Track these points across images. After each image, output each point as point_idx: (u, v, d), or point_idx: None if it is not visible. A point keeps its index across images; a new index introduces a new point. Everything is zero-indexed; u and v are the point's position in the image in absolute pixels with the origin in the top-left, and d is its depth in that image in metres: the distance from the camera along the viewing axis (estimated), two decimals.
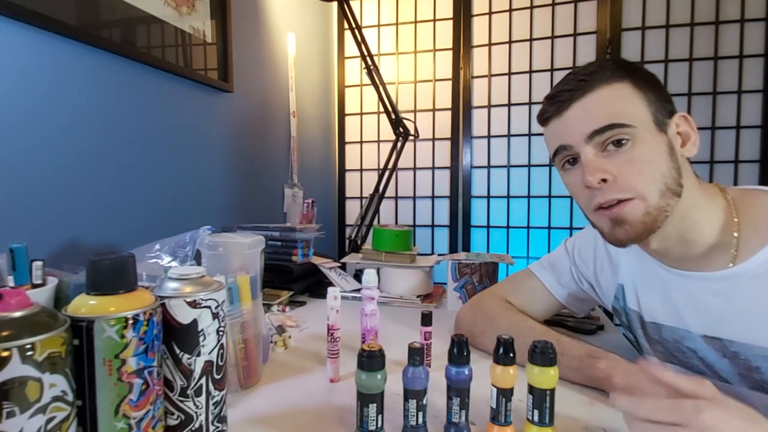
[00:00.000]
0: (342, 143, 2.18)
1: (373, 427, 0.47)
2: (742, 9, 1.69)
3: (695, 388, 0.42)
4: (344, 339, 0.69)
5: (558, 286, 0.78)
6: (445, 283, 1.09)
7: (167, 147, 1.10)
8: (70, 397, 0.35)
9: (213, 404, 0.45)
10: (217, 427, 0.46)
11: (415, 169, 2.11)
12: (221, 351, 0.46)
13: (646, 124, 0.56)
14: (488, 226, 2.04)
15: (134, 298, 0.40)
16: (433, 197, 2.10)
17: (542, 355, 0.47)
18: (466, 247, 2.04)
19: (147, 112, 1.04)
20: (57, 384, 0.33)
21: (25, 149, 0.78)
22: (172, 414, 0.43)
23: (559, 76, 1.88)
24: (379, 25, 2.11)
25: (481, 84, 2.01)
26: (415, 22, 2.07)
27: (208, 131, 1.25)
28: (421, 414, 0.48)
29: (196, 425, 0.44)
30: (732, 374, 0.57)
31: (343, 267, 1.25)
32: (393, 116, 1.53)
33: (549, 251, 0.83)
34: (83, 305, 0.38)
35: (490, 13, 1.97)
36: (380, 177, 1.56)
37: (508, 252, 2.00)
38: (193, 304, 0.43)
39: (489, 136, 2.01)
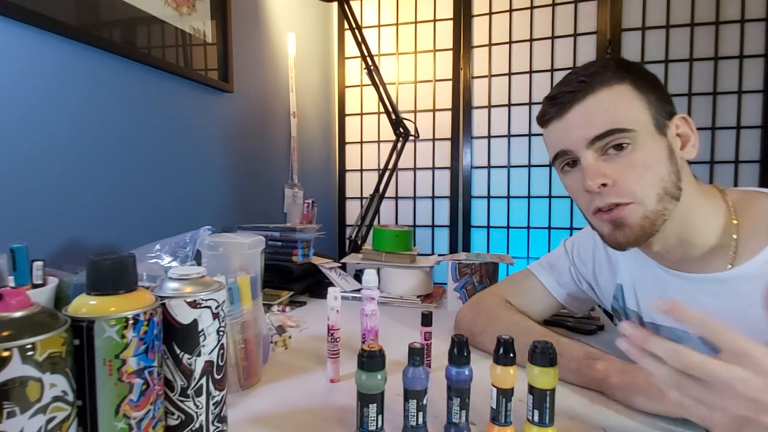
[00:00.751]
0: (342, 143, 2.18)
1: (373, 428, 0.47)
2: (743, 9, 1.69)
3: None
4: (344, 339, 0.69)
5: (557, 286, 0.78)
6: (445, 284, 1.09)
7: (167, 147, 1.10)
8: (70, 397, 0.35)
9: (213, 404, 0.45)
10: (218, 427, 0.46)
11: (415, 169, 2.11)
12: (221, 351, 0.46)
13: (646, 128, 0.56)
14: (488, 227, 2.04)
15: (134, 298, 0.40)
16: (433, 197, 2.10)
17: (542, 355, 0.47)
18: (467, 248, 2.04)
19: (147, 113, 1.04)
20: (57, 384, 0.33)
21: (25, 149, 0.78)
22: (173, 414, 0.43)
23: (559, 76, 1.88)
24: (379, 26, 2.11)
25: (481, 84, 2.01)
26: (416, 22, 2.07)
27: (208, 131, 1.25)
28: (421, 414, 0.48)
29: (197, 425, 0.44)
30: None
31: (344, 267, 1.25)
32: (393, 116, 1.53)
33: (549, 251, 0.83)
34: (83, 305, 0.38)
35: (491, 13, 1.97)
36: (380, 177, 1.56)
37: (508, 252, 2.00)
38: (194, 304, 0.43)
39: (489, 137, 2.01)
